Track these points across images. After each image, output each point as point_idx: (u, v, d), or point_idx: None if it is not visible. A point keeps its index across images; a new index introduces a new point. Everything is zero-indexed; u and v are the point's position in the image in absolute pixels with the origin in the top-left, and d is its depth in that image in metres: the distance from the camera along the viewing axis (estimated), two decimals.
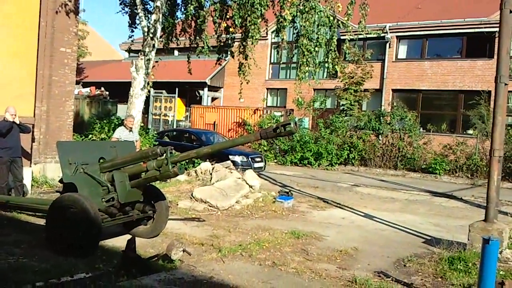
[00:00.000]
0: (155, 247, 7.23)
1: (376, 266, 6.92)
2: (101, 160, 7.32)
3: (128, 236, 6.76)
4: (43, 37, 11.62)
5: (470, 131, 21.12)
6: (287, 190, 12.44)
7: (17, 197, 9.53)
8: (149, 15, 14.08)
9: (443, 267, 6.77)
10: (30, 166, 11.31)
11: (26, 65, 11.44)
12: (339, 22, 14.41)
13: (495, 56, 9.69)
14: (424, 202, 13.30)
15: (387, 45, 24.00)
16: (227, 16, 14.32)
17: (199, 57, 14.40)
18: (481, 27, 21.27)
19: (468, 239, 7.74)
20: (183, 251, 6.52)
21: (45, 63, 11.71)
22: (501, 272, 6.51)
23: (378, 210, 11.50)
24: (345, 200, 12.58)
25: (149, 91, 13.87)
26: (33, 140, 11.47)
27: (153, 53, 13.34)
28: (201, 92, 29.17)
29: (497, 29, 9.64)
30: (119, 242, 7.12)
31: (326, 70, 24.40)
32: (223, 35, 15.69)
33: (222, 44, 16.10)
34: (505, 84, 7.83)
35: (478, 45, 21.94)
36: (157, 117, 28.95)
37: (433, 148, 20.58)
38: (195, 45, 15.82)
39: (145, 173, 7.14)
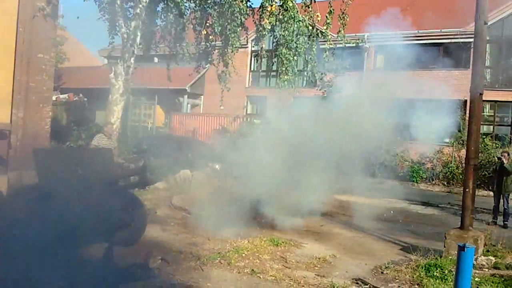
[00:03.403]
0: (133, 255, 7.16)
1: (354, 274, 6.98)
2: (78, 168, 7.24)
3: (106, 244, 6.69)
4: (20, 43, 11.45)
5: (447, 140, 21.42)
6: None
7: None
8: (128, 22, 14.02)
9: (420, 274, 6.86)
10: (6, 174, 11.12)
11: (2, 71, 11.28)
12: (318, 31, 14.54)
13: (471, 66, 9.87)
14: (402, 209, 13.44)
15: (366, 54, 24.26)
16: (207, 24, 14.33)
17: (178, 64, 14.38)
18: (457, 38, 21.65)
19: (444, 246, 7.86)
20: (161, 259, 6.50)
21: (22, 69, 11.54)
22: (476, 279, 6.63)
23: (356, 218, 11.56)
24: (323, 208, 12.61)
25: (128, 98, 13.77)
26: (9, 147, 11.28)
27: (132, 59, 13.26)
28: (181, 99, 29.08)
29: (472, 39, 9.83)
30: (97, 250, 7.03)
31: (305, 78, 24.64)
32: (203, 43, 15.68)
33: (202, 51, 16.09)
34: (480, 94, 8.00)
35: (454, 55, 22.30)
36: (136, 124, 28.76)
37: (410, 156, 20.82)
38: (175, 52, 15.78)
39: (123, 181, 7.09)
